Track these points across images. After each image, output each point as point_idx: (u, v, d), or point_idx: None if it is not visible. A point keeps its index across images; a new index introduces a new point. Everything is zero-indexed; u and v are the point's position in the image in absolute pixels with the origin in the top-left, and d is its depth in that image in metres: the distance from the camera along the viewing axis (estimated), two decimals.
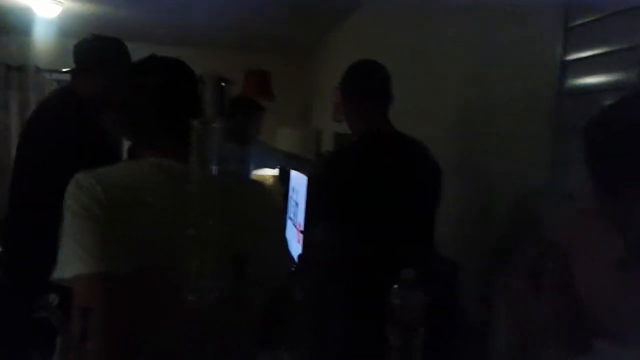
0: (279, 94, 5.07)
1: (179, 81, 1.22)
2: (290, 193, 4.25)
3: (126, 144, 2.02)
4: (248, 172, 3.49)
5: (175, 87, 1.20)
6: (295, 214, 3.84)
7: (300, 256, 3.28)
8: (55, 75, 5.47)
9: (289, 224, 4.18)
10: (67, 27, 4.57)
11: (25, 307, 1.84)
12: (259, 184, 1.38)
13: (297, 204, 3.73)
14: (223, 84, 5.57)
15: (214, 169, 0.95)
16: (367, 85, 1.94)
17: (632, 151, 0.46)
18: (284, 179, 4.56)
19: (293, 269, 1.38)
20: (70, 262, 1.00)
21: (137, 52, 1.68)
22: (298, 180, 3.94)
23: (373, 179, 1.81)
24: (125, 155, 2.14)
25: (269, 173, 5.36)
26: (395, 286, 1.02)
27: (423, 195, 1.89)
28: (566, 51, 1.66)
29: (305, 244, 3.10)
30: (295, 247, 3.65)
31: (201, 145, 0.94)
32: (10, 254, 2.03)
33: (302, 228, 3.39)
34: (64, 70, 2.36)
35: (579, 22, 1.62)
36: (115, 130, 2.13)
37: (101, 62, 2.08)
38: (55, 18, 4.15)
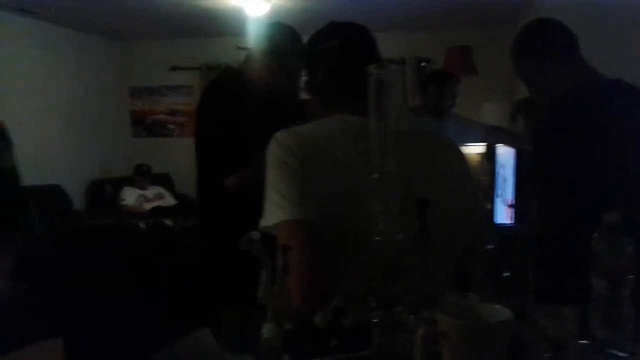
0: (482, 68, 4.90)
1: (357, 41, 1.27)
2: (497, 169, 4.09)
3: None
4: None
5: (353, 47, 1.26)
6: (504, 190, 3.70)
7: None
8: None
9: (498, 201, 4.04)
10: None
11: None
12: (445, 138, 1.37)
13: (504, 179, 3.59)
14: (423, 63, 5.56)
15: (396, 120, 0.96)
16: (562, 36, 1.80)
17: None
18: (490, 156, 4.40)
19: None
20: (273, 211, 1.11)
21: None
22: (505, 155, 3.78)
23: (589, 133, 1.67)
24: None
25: (474, 151, 5.21)
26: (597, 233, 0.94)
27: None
28: None
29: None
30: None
31: (378, 91, 0.96)
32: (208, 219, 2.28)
33: (511, 203, 3.26)
34: (239, 46, 2.53)
35: None
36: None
37: (271, 47, 2.22)
38: (264, 16, 4.53)
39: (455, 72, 4.11)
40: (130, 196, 5.69)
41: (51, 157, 5.24)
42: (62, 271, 3.01)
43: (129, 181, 5.86)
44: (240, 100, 2.10)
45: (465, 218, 1.22)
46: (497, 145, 3.93)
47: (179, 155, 6.38)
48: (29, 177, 4.18)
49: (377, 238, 0.96)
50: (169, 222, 3.23)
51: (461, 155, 1.33)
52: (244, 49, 2.35)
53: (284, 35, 2.25)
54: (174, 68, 6.24)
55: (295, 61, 2.22)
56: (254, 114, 2.12)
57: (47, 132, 5.20)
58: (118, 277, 3.03)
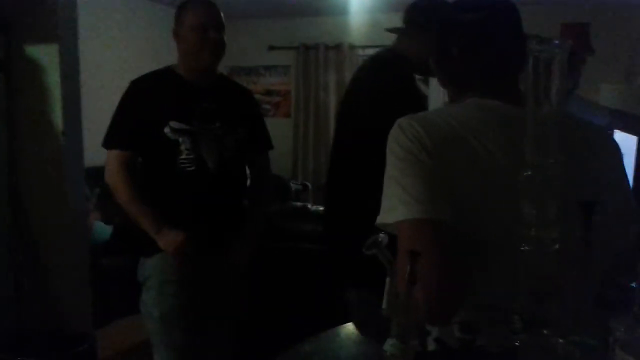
0: (599, 48, 4.49)
1: (500, 15, 1.10)
2: None
3: None
4: None
5: (496, 21, 1.09)
6: None
7: None
8: (367, 51, 5.76)
9: None
10: (378, 2, 4.77)
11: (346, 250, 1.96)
12: (601, 129, 1.17)
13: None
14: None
15: (556, 106, 0.80)
16: None
17: None
18: None
19: None
20: (395, 207, 0.96)
21: None
22: (624, 142, 3.44)
23: None
24: None
25: None
26: None
27: None
28: None
29: None
30: None
31: (537, 72, 0.80)
32: (335, 209, 2.15)
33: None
34: (388, 28, 2.33)
35: None
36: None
37: (424, 23, 2.04)
38: None
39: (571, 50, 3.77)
40: None
41: None
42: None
43: None
44: (401, 84, 1.97)
45: (620, 224, 1.03)
46: (615, 130, 3.59)
47: (274, 135, 6.35)
48: None
49: (526, 247, 0.81)
50: None
51: (617, 148, 1.14)
52: (394, 30, 2.18)
53: (440, 8, 2.08)
54: (272, 48, 6.22)
55: None
56: (415, 98, 2.00)
57: None
58: None
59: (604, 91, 4.49)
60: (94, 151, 2.42)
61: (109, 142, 2.03)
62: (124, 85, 2.03)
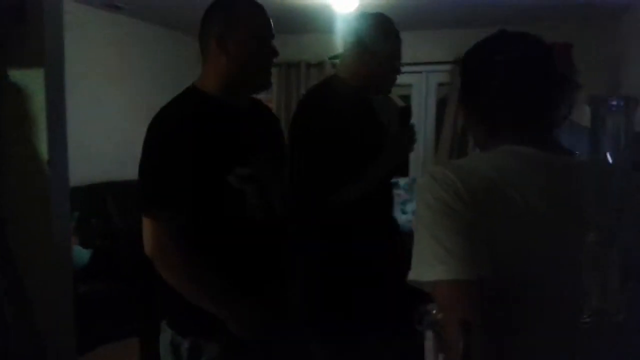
0: (582, 67, 4.53)
1: (538, 55, 1.04)
2: None
3: None
4: None
5: (534, 62, 1.03)
6: None
7: None
8: None
9: None
10: None
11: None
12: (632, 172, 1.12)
13: None
14: None
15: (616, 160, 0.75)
16: None
17: None
18: None
19: None
20: (431, 264, 0.89)
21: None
22: None
23: None
24: None
25: None
26: None
27: None
28: None
29: None
30: None
31: (597, 124, 0.75)
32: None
33: None
34: (330, 57, 2.29)
35: None
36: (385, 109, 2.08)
37: (358, 43, 1.98)
38: (353, 13, 4.32)
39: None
40: None
41: (135, 153, 5.21)
42: (140, 269, 2.92)
43: None
44: (338, 107, 1.91)
45: None
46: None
47: None
48: (113, 172, 4.17)
49: (587, 319, 0.75)
50: None
51: None
52: (335, 57, 2.12)
53: (370, 24, 2.01)
54: None
55: (388, 49, 1.99)
56: (354, 120, 1.93)
57: (132, 127, 5.17)
58: None
59: (588, 113, 4.52)
60: (72, 171, 2.24)
61: (154, 206, 1.49)
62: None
